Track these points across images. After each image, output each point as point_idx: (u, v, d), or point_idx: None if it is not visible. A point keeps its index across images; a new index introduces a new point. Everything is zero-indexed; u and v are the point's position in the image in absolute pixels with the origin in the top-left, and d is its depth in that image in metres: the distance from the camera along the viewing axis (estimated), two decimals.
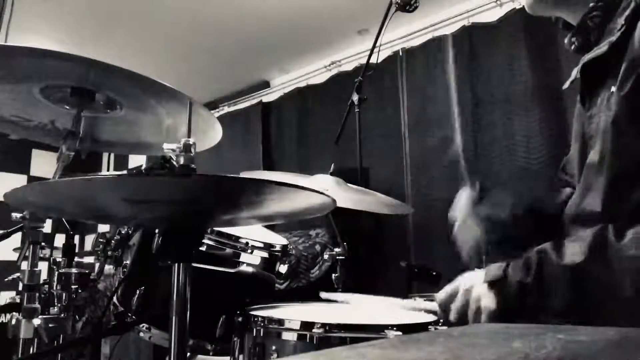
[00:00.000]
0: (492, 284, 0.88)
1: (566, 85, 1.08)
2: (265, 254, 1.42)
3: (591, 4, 0.93)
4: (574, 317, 0.81)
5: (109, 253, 1.45)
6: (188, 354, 1.21)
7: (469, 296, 0.91)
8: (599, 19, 0.92)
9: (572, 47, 1.00)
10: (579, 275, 0.79)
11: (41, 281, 1.22)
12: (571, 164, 1.13)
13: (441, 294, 0.97)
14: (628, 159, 0.84)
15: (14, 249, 2.90)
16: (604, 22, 0.92)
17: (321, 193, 0.79)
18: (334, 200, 0.83)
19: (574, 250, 0.81)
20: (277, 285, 1.50)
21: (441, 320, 1.03)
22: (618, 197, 0.85)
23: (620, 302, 0.76)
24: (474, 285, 0.91)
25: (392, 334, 0.90)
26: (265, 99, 4.25)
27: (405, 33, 3.24)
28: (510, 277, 0.85)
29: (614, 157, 0.85)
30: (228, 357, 1.17)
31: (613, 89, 0.85)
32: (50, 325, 1.22)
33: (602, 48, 0.88)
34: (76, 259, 1.60)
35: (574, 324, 0.84)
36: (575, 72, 1.03)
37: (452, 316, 0.93)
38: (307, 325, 0.94)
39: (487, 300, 0.88)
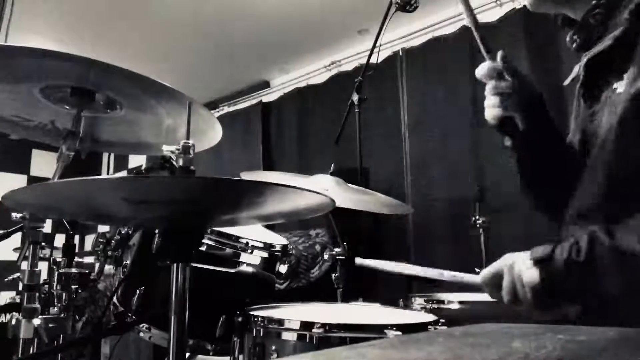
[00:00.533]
0: (538, 262, 0.85)
1: (567, 81, 1.07)
2: (265, 254, 1.42)
3: (593, 1, 0.92)
4: (623, 301, 0.79)
5: (109, 253, 1.45)
6: (188, 354, 1.21)
7: (512, 272, 0.88)
8: (601, 16, 0.92)
9: (574, 45, 1.00)
10: (633, 262, 0.77)
11: (41, 281, 1.22)
12: None
13: (485, 271, 0.94)
14: (634, 156, 0.83)
15: (14, 249, 2.90)
16: (606, 19, 0.91)
17: (320, 194, 0.79)
18: (333, 201, 0.83)
19: (628, 237, 0.78)
20: (277, 285, 1.50)
21: (441, 321, 1.03)
22: (622, 196, 0.85)
23: None
24: (515, 260, 0.88)
25: (392, 334, 0.90)
26: (265, 99, 4.25)
27: (405, 33, 3.24)
28: (558, 255, 0.83)
29: (619, 155, 0.84)
30: (228, 357, 1.17)
31: (616, 85, 0.85)
32: (50, 325, 1.22)
33: (606, 42, 0.88)
34: (76, 259, 1.60)
35: (623, 311, 0.82)
36: (576, 69, 1.03)
37: (505, 295, 0.90)
38: (307, 325, 0.94)
39: (530, 275, 0.85)
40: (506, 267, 0.90)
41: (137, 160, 5.16)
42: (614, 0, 0.90)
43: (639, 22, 0.83)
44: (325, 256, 1.66)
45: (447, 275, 1.04)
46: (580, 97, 1.01)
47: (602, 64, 0.90)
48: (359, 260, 1.27)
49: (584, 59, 0.98)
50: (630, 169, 0.84)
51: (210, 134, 1.26)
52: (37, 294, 1.19)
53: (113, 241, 1.44)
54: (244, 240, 1.36)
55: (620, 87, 0.85)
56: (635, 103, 0.81)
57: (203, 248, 1.29)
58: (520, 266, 0.87)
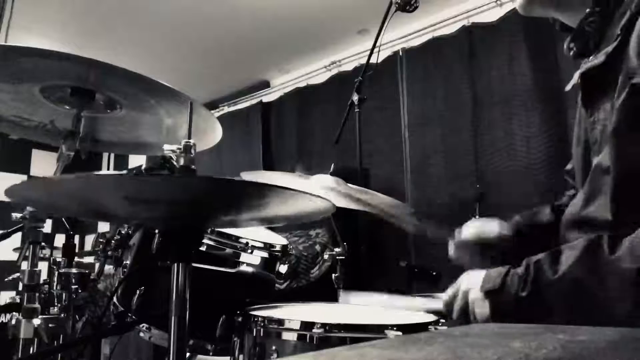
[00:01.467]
0: (488, 293, 0.87)
1: (568, 87, 1.07)
2: (265, 254, 1.42)
3: (587, 10, 0.92)
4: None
5: (109, 253, 1.45)
6: (188, 354, 1.21)
7: (465, 299, 0.91)
8: (596, 24, 0.92)
9: (571, 52, 1.00)
10: (572, 286, 0.78)
11: (41, 281, 1.22)
12: (573, 168, 1.12)
13: (445, 296, 0.97)
14: (629, 167, 0.83)
15: (14, 249, 2.90)
16: (602, 27, 0.91)
17: (322, 198, 0.79)
18: (333, 205, 0.83)
19: (568, 259, 0.79)
20: (277, 285, 1.50)
21: (441, 321, 1.03)
22: (627, 205, 0.85)
23: (615, 316, 0.74)
24: (471, 288, 0.91)
25: (392, 334, 0.90)
26: (265, 99, 4.25)
27: (405, 33, 3.24)
28: (507, 288, 0.84)
29: (617, 165, 0.85)
30: (228, 357, 1.17)
31: (612, 95, 0.85)
32: (50, 325, 1.22)
33: (600, 58, 0.88)
34: (76, 259, 1.60)
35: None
36: (576, 76, 1.03)
37: (455, 316, 0.93)
38: (307, 325, 0.94)
39: (481, 308, 0.88)
40: (461, 293, 0.93)
41: (137, 160, 5.16)
42: (607, 8, 0.90)
43: (629, 36, 0.83)
44: (325, 256, 1.66)
45: (419, 302, 1.07)
46: (580, 104, 1.02)
47: (598, 76, 0.90)
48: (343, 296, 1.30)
49: (583, 66, 0.98)
50: (631, 174, 0.84)
51: (210, 134, 1.26)
52: (37, 294, 1.19)
53: (113, 241, 1.44)
54: (244, 240, 1.36)
55: (614, 99, 0.85)
56: (622, 112, 0.82)
57: (203, 248, 1.29)
58: (474, 295, 0.89)
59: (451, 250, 1.22)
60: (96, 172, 0.75)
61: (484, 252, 1.17)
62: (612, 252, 0.75)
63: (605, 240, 0.77)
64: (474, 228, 1.20)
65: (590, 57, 0.93)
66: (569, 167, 1.25)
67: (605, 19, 0.90)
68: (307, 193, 0.77)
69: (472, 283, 0.92)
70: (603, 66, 0.87)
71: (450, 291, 0.97)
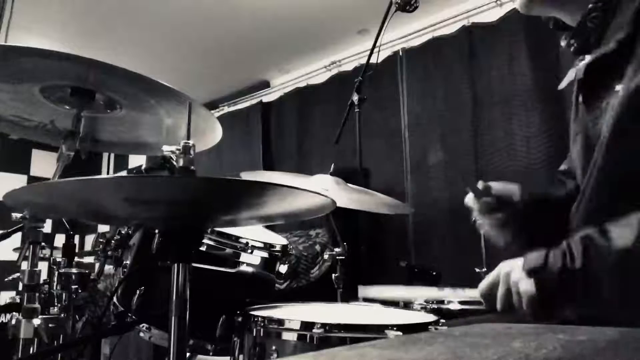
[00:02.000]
0: (532, 272, 0.84)
1: (563, 85, 1.07)
2: (265, 254, 1.42)
3: (590, 5, 0.92)
4: (624, 305, 0.78)
5: (109, 253, 1.45)
6: (188, 354, 1.21)
7: (508, 281, 0.88)
8: (598, 20, 0.91)
9: (571, 48, 0.99)
10: (630, 261, 0.75)
11: (41, 281, 1.22)
12: (574, 167, 1.12)
13: (482, 284, 0.94)
14: (630, 158, 0.83)
15: (14, 249, 2.90)
16: (604, 23, 0.91)
17: (321, 194, 0.80)
18: (333, 202, 0.83)
19: (623, 234, 0.76)
20: (277, 285, 1.50)
21: (441, 321, 1.03)
22: (622, 200, 0.84)
23: None
24: (512, 269, 0.88)
25: (392, 334, 0.90)
26: (265, 99, 4.25)
27: (405, 33, 3.24)
28: (551, 264, 0.82)
29: (616, 156, 0.84)
30: (228, 357, 1.17)
31: (618, 88, 0.84)
32: (50, 325, 1.21)
33: (610, 46, 0.87)
34: (76, 259, 1.60)
35: (625, 313, 0.80)
36: (572, 73, 1.03)
37: (498, 305, 0.90)
38: (307, 325, 0.94)
39: (526, 285, 0.84)
40: (502, 276, 0.90)
41: (137, 160, 5.16)
42: (612, 3, 0.90)
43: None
44: (325, 256, 1.66)
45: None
46: (578, 101, 1.01)
47: (604, 67, 0.90)
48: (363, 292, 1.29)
49: (580, 63, 0.97)
50: (626, 171, 0.84)
51: (210, 134, 1.26)
52: (37, 294, 1.19)
53: (113, 241, 1.44)
54: (244, 240, 1.36)
55: (621, 89, 0.84)
56: (630, 103, 0.81)
57: (203, 248, 1.29)
58: (517, 275, 0.87)
59: (469, 198, 1.21)
60: (93, 176, 0.75)
61: (499, 206, 1.18)
62: None
63: None
64: (495, 183, 1.20)
65: (592, 52, 0.93)
66: (562, 167, 1.24)
67: (608, 15, 0.90)
68: (305, 190, 0.77)
69: (510, 267, 0.89)
70: (612, 54, 0.86)
71: (486, 281, 0.94)
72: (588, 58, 0.94)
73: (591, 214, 0.92)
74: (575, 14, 0.96)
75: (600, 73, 0.91)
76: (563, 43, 1.02)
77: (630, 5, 0.85)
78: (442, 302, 1.54)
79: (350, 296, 1.62)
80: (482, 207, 1.18)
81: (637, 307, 0.78)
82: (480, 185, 1.19)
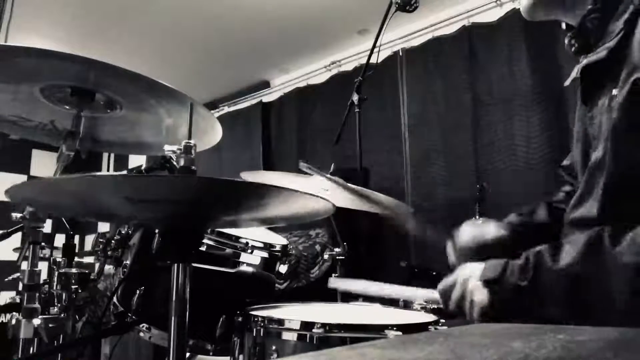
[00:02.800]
0: (488, 283, 0.87)
1: (567, 82, 1.08)
2: (265, 254, 1.42)
3: (589, 6, 0.93)
4: (569, 322, 0.80)
5: (109, 253, 1.45)
6: (188, 354, 1.21)
7: (465, 288, 0.91)
8: (597, 21, 0.92)
9: (572, 49, 1.00)
10: (573, 280, 0.78)
11: (41, 281, 1.22)
12: (573, 165, 1.12)
13: (441, 283, 0.98)
14: (626, 164, 0.84)
15: (14, 249, 2.90)
16: (603, 23, 0.91)
17: (322, 198, 0.79)
18: (333, 205, 0.84)
19: (569, 254, 0.80)
20: (277, 285, 1.50)
21: (441, 321, 1.03)
22: (615, 203, 0.85)
23: (615, 310, 0.75)
24: (470, 277, 0.91)
25: (392, 334, 0.90)
26: (265, 99, 4.25)
27: (405, 33, 3.24)
28: (507, 278, 0.85)
29: (613, 161, 0.85)
30: (228, 357, 1.17)
31: (614, 91, 0.85)
32: (50, 325, 1.21)
33: (601, 53, 0.88)
34: (76, 259, 1.60)
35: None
36: (575, 71, 1.03)
37: (451, 306, 0.93)
38: (307, 325, 0.94)
39: (480, 296, 0.88)
40: (460, 281, 0.92)
41: (137, 160, 5.16)
42: (610, 4, 0.90)
43: (632, 30, 0.83)
44: (325, 256, 1.66)
45: (421, 294, 1.08)
46: (580, 100, 1.02)
47: (598, 71, 0.91)
48: (332, 283, 1.31)
49: (580, 66, 0.98)
50: (624, 172, 0.84)
51: (210, 134, 1.26)
52: (37, 294, 1.19)
53: (113, 241, 1.44)
54: (244, 240, 1.36)
55: (617, 93, 0.85)
56: (623, 108, 0.82)
57: (203, 248, 1.29)
58: (473, 283, 0.89)
59: (450, 255, 1.23)
60: (94, 173, 0.75)
61: (482, 254, 1.18)
62: (614, 245, 0.76)
63: (607, 234, 0.78)
64: (471, 232, 1.20)
65: (591, 53, 0.94)
66: (565, 162, 1.25)
67: (607, 16, 0.91)
68: (306, 193, 0.77)
69: (470, 272, 0.92)
70: (604, 61, 0.87)
71: (446, 280, 0.97)
72: (584, 62, 0.95)
73: (582, 217, 0.93)
74: (577, 15, 0.97)
75: (595, 76, 0.93)
76: (566, 43, 1.03)
77: (623, 13, 0.86)
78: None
79: (350, 296, 1.62)
80: (465, 258, 1.19)
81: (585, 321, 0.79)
82: (457, 235, 1.20)
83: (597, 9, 0.92)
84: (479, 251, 1.17)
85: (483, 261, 1.14)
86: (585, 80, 0.96)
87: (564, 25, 1.07)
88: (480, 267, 0.91)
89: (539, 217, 1.21)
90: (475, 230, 1.20)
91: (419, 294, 1.15)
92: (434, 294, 1.06)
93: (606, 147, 0.86)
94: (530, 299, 0.82)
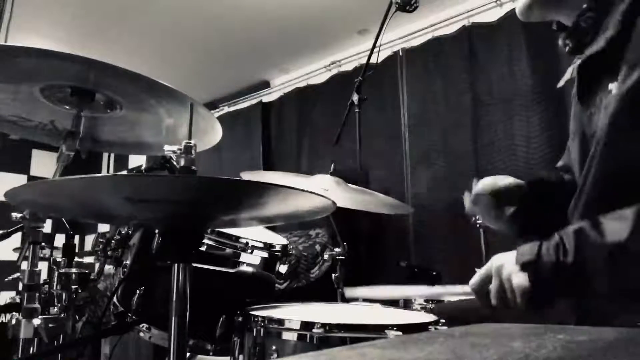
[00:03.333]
0: (525, 265, 0.84)
1: (561, 83, 1.08)
2: (265, 254, 1.42)
3: (584, 5, 0.93)
4: (617, 298, 0.79)
5: (109, 253, 1.45)
6: (188, 354, 1.21)
7: (501, 275, 0.87)
8: (592, 20, 0.92)
9: (567, 48, 1.01)
10: (622, 255, 0.76)
11: (41, 281, 1.22)
12: (571, 163, 1.13)
13: (474, 279, 0.93)
14: (627, 155, 0.83)
15: (14, 249, 2.90)
16: (598, 22, 0.92)
17: (321, 196, 0.79)
18: (334, 203, 0.83)
19: (617, 227, 0.77)
20: (277, 285, 1.50)
21: (441, 321, 1.03)
22: (618, 195, 0.85)
23: None
24: (504, 263, 0.88)
25: (392, 334, 0.90)
26: (265, 99, 4.25)
27: (405, 33, 3.24)
28: (544, 257, 0.82)
29: (612, 152, 0.85)
30: (228, 357, 1.17)
31: (610, 86, 0.85)
32: (50, 325, 1.21)
33: (600, 43, 0.88)
34: (76, 259, 1.60)
35: (616, 306, 0.81)
36: (570, 71, 1.03)
37: (493, 299, 0.89)
38: (307, 325, 0.94)
39: (519, 279, 0.84)
40: (494, 270, 0.89)
41: (137, 160, 5.16)
42: (605, 2, 0.90)
43: (632, 22, 0.83)
44: (325, 256, 1.66)
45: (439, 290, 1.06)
46: (576, 98, 1.02)
47: (596, 65, 0.91)
48: (349, 292, 1.30)
49: (578, 61, 0.98)
50: (622, 167, 0.84)
51: (210, 134, 1.26)
52: (37, 294, 1.19)
53: (113, 241, 1.44)
54: (244, 240, 1.36)
55: (614, 88, 0.85)
56: (625, 100, 0.81)
57: (203, 248, 1.29)
58: (510, 269, 0.86)
59: (467, 202, 1.20)
60: (94, 175, 0.75)
61: (499, 203, 1.17)
62: None
63: None
64: (488, 180, 1.20)
65: (586, 50, 0.94)
66: (560, 163, 1.25)
67: (601, 14, 0.91)
68: (305, 191, 0.77)
69: (502, 260, 0.89)
70: (603, 52, 0.87)
71: (478, 275, 0.93)
72: (583, 56, 0.95)
73: (589, 210, 0.92)
74: (571, 15, 0.97)
75: (593, 71, 0.92)
76: (560, 42, 1.03)
77: (620, 4, 0.86)
78: (442, 302, 1.54)
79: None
80: (483, 208, 1.18)
81: (629, 302, 0.78)
82: (475, 184, 1.19)
83: (592, 7, 0.92)
84: (497, 201, 1.16)
85: (499, 207, 1.14)
86: (584, 76, 0.96)
87: (554, 25, 1.07)
88: (512, 254, 0.88)
89: (550, 177, 1.21)
90: (492, 178, 1.20)
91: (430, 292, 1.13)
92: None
93: (603, 140, 0.85)
94: (574, 276, 0.79)
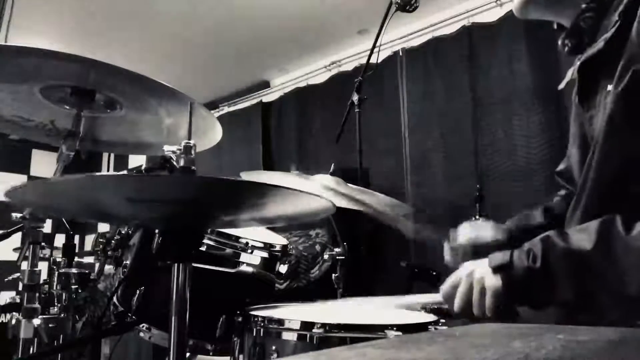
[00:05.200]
0: (497, 269, 0.87)
1: (562, 85, 1.08)
2: (265, 254, 1.42)
3: (583, 5, 0.93)
4: (580, 305, 0.81)
5: (109, 253, 1.45)
6: (188, 354, 1.21)
7: (471, 279, 0.89)
8: (591, 20, 0.92)
9: (566, 49, 1.00)
10: (585, 263, 0.78)
11: (41, 281, 1.22)
12: (571, 167, 1.12)
13: (444, 284, 0.95)
14: (623, 156, 0.84)
15: (14, 249, 2.90)
16: (597, 23, 0.91)
17: (321, 197, 0.79)
18: (333, 205, 0.83)
19: (581, 237, 0.80)
20: (277, 285, 1.50)
21: (441, 321, 1.03)
22: (615, 196, 0.85)
23: (625, 294, 0.75)
24: (475, 269, 0.90)
25: (392, 334, 0.90)
26: (265, 99, 4.25)
27: (405, 33, 3.24)
28: (516, 263, 0.84)
29: (609, 154, 0.85)
30: (228, 357, 1.17)
31: (609, 87, 0.85)
32: (50, 325, 1.22)
33: (598, 45, 0.88)
34: (76, 259, 1.60)
35: (578, 314, 0.83)
36: (570, 73, 1.03)
37: (457, 303, 0.91)
38: (307, 325, 0.94)
39: (492, 280, 0.86)
40: (464, 275, 0.91)
41: (137, 160, 5.16)
42: (604, 3, 0.90)
43: (629, 22, 0.83)
44: (325, 256, 1.66)
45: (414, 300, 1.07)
46: (576, 101, 1.02)
47: (596, 66, 0.91)
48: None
49: (577, 63, 0.98)
50: (619, 168, 0.84)
51: (210, 134, 1.26)
52: (37, 294, 1.19)
53: (113, 241, 1.44)
54: (244, 240, 1.36)
55: (612, 88, 0.85)
56: (620, 100, 0.82)
57: (203, 248, 1.29)
58: (482, 272, 0.89)
59: (447, 254, 1.22)
60: (94, 174, 0.75)
61: (479, 256, 1.18)
62: (627, 231, 0.76)
63: (619, 220, 0.78)
64: (468, 233, 1.21)
65: (586, 51, 0.94)
66: (560, 167, 1.25)
67: (600, 15, 0.91)
68: (306, 192, 0.77)
69: (473, 266, 0.91)
70: (601, 53, 0.87)
71: (449, 281, 0.95)
72: (582, 57, 0.95)
73: (589, 215, 0.92)
74: (570, 15, 0.97)
75: (592, 72, 0.92)
76: (559, 43, 1.02)
77: (619, 5, 0.86)
78: (442, 302, 1.54)
79: (350, 296, 1.62)
80: (462, 260, 1.19)
81: (594, 307, 0.80)
82: (453, 234, 1.20)
83: (591, 8, 0.92)
84: (475, 252, 1.16)
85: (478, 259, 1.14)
86: (583, 77, 0.95)
87: (555, 25, 1.07)
88: (483, 261, 0.90)
89: (536, 220, 1.21)
90: (472, 231, 1.21)
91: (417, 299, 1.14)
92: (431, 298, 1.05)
93: (600, 141, 0.85)
94: (542, 281, 0.82)
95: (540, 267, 0.81)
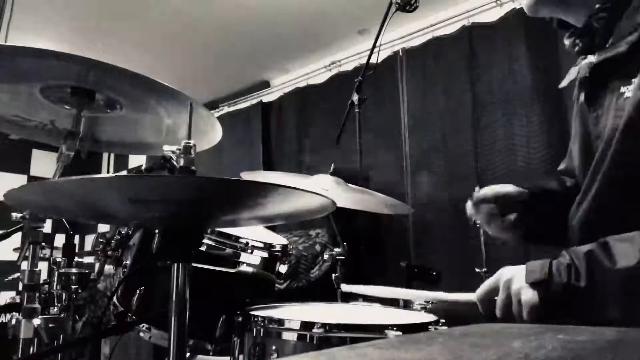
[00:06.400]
0: (535, 285, 0.83)
1: (564, 84, 1.07)
2: (265, 254, 1.42)
3: (597, 5, 0.92)
4: (629, 323, 0.77)
5: (109, 253, 1.45)
6: (188, 354, 1.21)
7: (509, 289, 0.87)
8: (604, 21, 0.91)
9: (576, 48, 0.99)
10: (633, 280, 0.75)
11: (41, 281, 1.22)
12: (573, 165, 1.12)
13: (481, 289, 0.93)
14: (633, 163, 0.83)
15: (14, 249, 2.90)
16: (610, 23, 0.91)
17: (322, 195, 0.79)
18: (333, 202, 0.83)
19: (625, 252, 0.76)
20: (277, 285, 1.50)
21: (441, 321, 1.03)
22: (627, 196, 0.84)
23: None
24: (513, 277, 0.87)
25: (392, 334, 0.90)
26: (265, 99, 4.25)
27: (405, 33, 3.24)
28: (555, 278, 0.81)
29: (625, 155, 0.84)
30: (228, 357, 1.17)
31: (622, 89, 0.85)
32: (50, 325, 1.22)
33: (620, 47, 0.87)
34: (76, 259, 1.60)
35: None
36: (574, 72, 1.03)
37: (498, 312, 0.88)
38: (307, 325, 0.94)
39: (528, 295, 0.83)
40: (503, 283, 0.88)
41: (137, 160, 5.16)
42: (619, 4, 0.90)
43: None
44: (325, 256, 1.66)
45: (442, 296, 1.06)
46: (579, 100, 1.01)
47: (611, 67, 0.89)
48: (346, 288, 1.31)
49: (582, 62, 0.97)
50: (632, 172, 0.84)
51: (210, 134, 1.26)
52: (37, 294, 1.19)
53: (113, 241, 1.44)
54: (244, 240, 1.36)
55: (628, 91, 0.84)
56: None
57: (203, 248, 1.29)
58: (519, 284, 0.85)
59: (469, 209, 1.22)
60: (94, 175, 0.75)
61: (501, 210, 1.18)
62: None
63: None
64: (490, 187, 1.22)
65: (597, 52, 0.93)
66: (562, 166, 1.25)
67: (615, 15, 0.90)
68: (305, 190, 0.77)
69: (512, 274, 0.88)
70: (622, 56, 0.86)
71: (485, 285, 0.92)
72: (592, 57, 0.94)
73: (592, 216, 0.92)
74: (580, 14, 0.96)
75: (606, 74, 0.91)
76: (567, 42, 1.02)
77: (636, 8, 0.85)
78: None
79: (350, 296, 1.62)
80: (484, 216, 1.19)
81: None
82: (476, 192, 1.20)
83: (605, 8, 0.91)
84: (499, 207, 1.18)
85: (503, 215, 1.16)
86: (596, 77, 0.94)
87: (555, 23, 1.06)
88: (521, 268, 0.87)
89: (552, 186, 1.22)
90: (495, 186, 1.22)
91: (426, 295, 1.13)
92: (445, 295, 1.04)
93: (612, 144, 0.85)
94: (588, 300, 0.78)
95: (586, 287, 0.78)
